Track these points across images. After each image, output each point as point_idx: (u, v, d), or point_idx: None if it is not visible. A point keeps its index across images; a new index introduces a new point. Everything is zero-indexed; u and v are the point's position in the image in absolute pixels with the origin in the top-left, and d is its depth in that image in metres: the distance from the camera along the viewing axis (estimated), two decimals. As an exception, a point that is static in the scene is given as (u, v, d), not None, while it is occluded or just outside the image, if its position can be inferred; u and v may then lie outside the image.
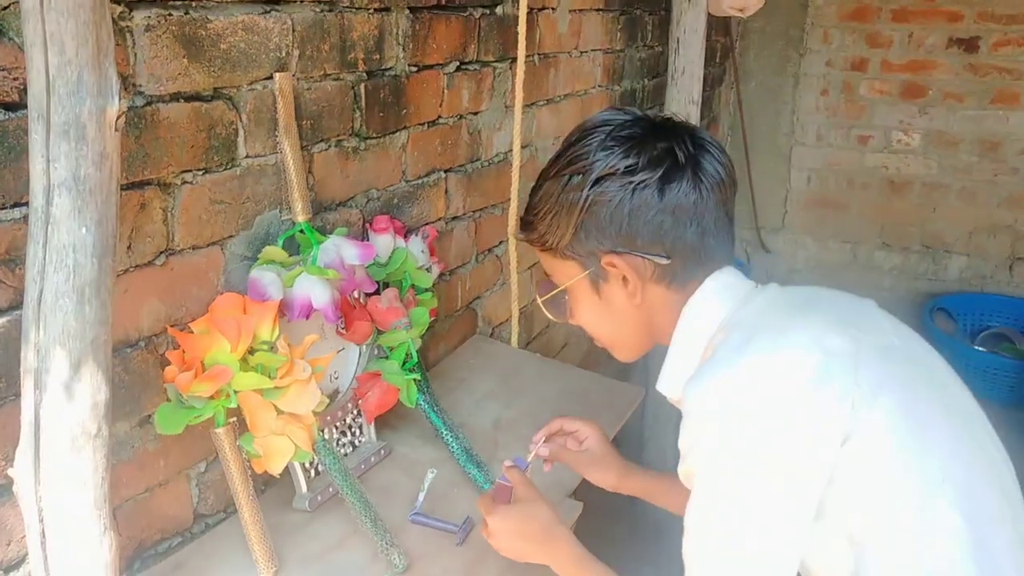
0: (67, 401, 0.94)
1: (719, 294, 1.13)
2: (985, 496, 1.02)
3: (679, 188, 1.10)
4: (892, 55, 4.14)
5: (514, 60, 2.09)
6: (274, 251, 1.37)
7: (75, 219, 0.92)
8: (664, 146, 1.11)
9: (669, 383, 1.16)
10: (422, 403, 1.60)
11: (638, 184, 1.09)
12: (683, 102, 2.51)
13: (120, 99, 0.93)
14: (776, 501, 0.97)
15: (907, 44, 4.09)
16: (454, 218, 1.98)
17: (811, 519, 0.98)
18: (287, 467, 1.35)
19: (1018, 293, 4.07)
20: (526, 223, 1.23)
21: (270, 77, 1.37)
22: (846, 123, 4.33)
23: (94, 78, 0.91)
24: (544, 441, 1.46)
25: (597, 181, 1.11)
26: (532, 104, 2.26)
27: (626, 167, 1.10)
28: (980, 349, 3.74)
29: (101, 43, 0.91)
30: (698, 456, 1.01)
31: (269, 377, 1.27)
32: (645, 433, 2.98)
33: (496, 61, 2.03)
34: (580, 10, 2.44)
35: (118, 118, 0.94)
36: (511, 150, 2.17)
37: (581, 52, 2.52)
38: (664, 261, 1.12)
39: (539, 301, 1.27)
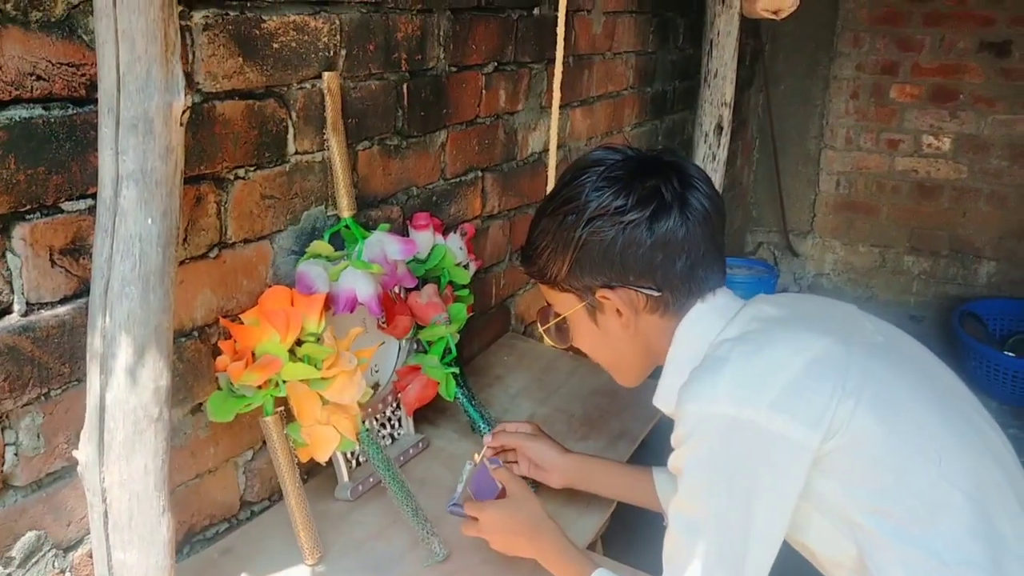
0: (131, 386, 0.97)
1: (709, 314, 1.18)
2: (984, 473, 1.05)
3: (667, 224, 1.14)
4: (923, 59, 4.12)
5: (550, 61, 2.11)
6: (321, 245, 1.41)
7: (142, 210, 0.96)
8: (652, 185, 1.16)
9: (665, 399, 1.21)
10: (460, 397, 1.63)
11: (628, 223, 1.15)
12: (716, 104, 2.53)
13: (185, 95, 0.97)
14: (757, 504, 1.03)
15: (938, 48, 4.08)
16: (489, 216, 2.01)
17: (788, 519, 1.04)
18: (329, 458, 1.38)
19: (1048, 298, 4.05)
20: (526, 257, 1.29)
21: (318, 76, 1.40)
22: (876, 127, 4.31)
23: (162, 74, 0.94)
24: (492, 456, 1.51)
25: (590, 220, 1.16)
26: (566, 105, 2.29)
27: (616, 207, 1.15)
28: (1010, 355, 3.71)
29: (169, 40, 0.95)
30: (685, 456, 1.07)
31: (316, 368, 1.30)
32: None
33: (533, 62, 2.06)
34: (614, 12, 2.47)
35: (183, 113, 0.97)
36: (545, 150, 2.19)
37: (615, 54, 2.54)
38: (655, 294, 1.17)
39: (541, 329, 1.34)
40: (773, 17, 2.44)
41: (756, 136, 4.51)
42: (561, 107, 2.19)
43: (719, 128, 2.53)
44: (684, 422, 1.06)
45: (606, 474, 1.52)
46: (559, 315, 1.28)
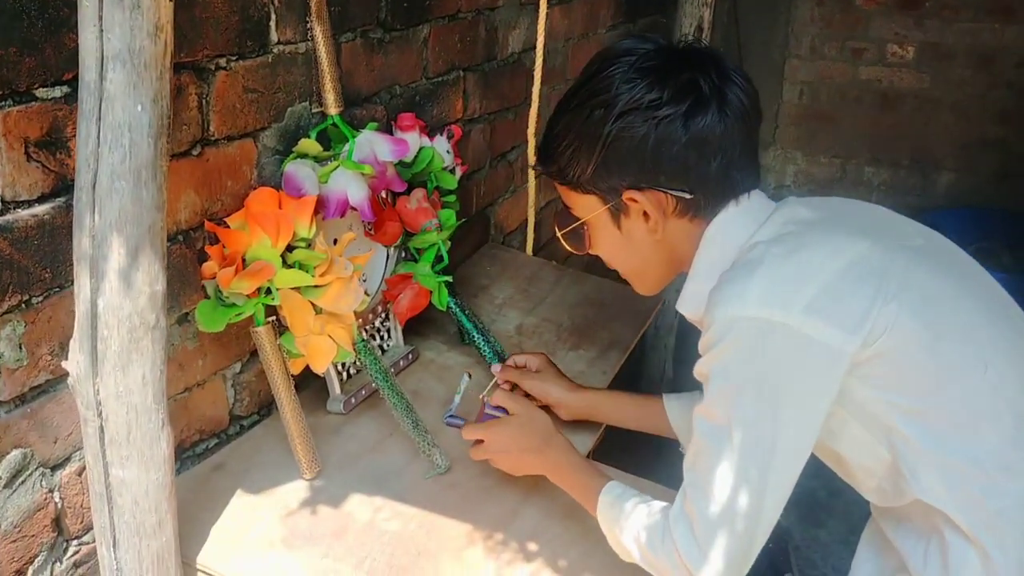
0: (125, 290, 0.90)
1: (740, 217, 1.11)
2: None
3: (704, 121, 1.06)
4: (890, -36, 4.06)
5: (531, -46, 2.01)
6: (309, 144, 1.31)
7: (130, 95, 0.86)
8: (688, 78, 1.07)
9: (691, 304, 1.14)
10: (452, 306, 1.57)
11: (663, 118, 1.06)
12: (696, 3, 2.44)
13: (175, -35, 0.86)
14: (786, 412, 0.98)
15: (906, -47, 4.01)
16: (471, 120, 1.92)
17: (818, 429, 0.99)
18: (310, 370, 1.31)
19: (1006, 207, 4.09)
20: (545, 156, 1.20)
21: (300, -42, 1.29)
22: (841, 35, 4.25)
23: (148, -60, 0.84)
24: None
25: (620, 115, 1.07)
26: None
27: (650, 101, 1.06)
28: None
29: (155, -99, 0.84)
30: (712, 361, 1.01)
31: (309, 275, 1.23)
32: (647, 344, 2.99)
33: (514, -46, 1.94)
34: (592, -95, 2.35)
35: (173, -14, 0.87)
36: (526, 50, 2.10)
37: (592, -50, 2.42)
38: (687, 196, 1.10)
39: (558, 233, 1.24)
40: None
41: (721, 45, 4.42)
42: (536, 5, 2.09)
43: (699, 29, 2.45)
44: (713, 327, 1.00)
45: (616, 407, 1.46)
46: (579, 218, 1.20)
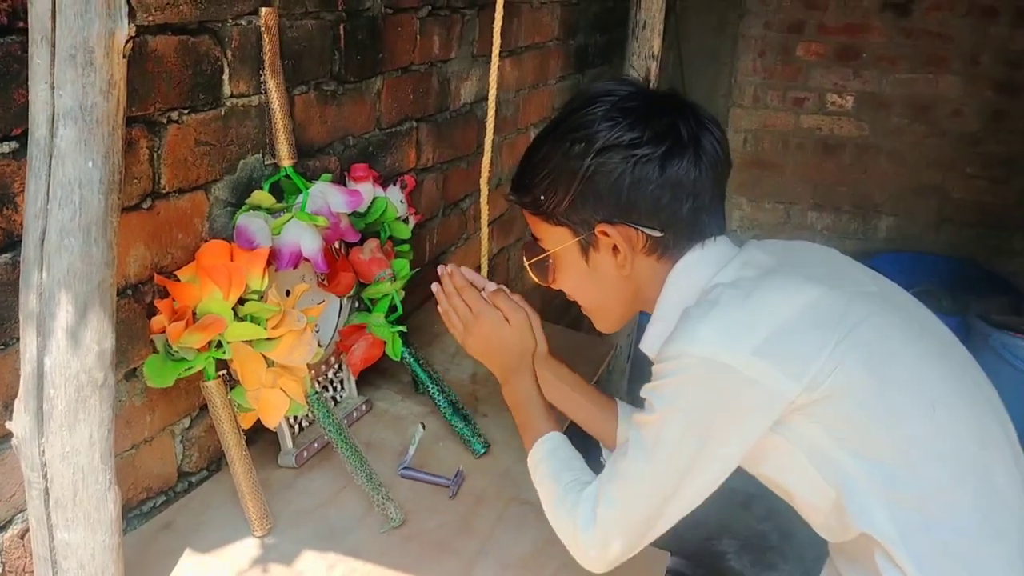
0: (73, 348, 0.88)
1: (703, 261, 1.14)
2: (981, 424, 1.06)
3: (680, 165, 1.09)
4: (828, 17, 4.19)
5: (481, 7, 2.04)
6: (262, 196, 1.31)
7: (81, 152, 0.86)
8: (668, 122, 1.11)
9: (655, 344, 1.16)
10: (407, 356, 1.56)
11: (641, 158, 1.09)
12: (643, 56, 2.49)
13: (129, 22, 0.86)
14: (707, 449, 1.03)
15: (844, 7, 4.14)
16: (423, 169, 1.93)
17: (732, 468, 1.05)
18: (261, 423, 1.29)
19: (944, 252, 4.21)
20: (520, 186, 1.22)
21: (253, 12, 1.29)
22: (782, 85, 4.37)
23: (102, -2, 0.84)
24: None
25: (600, 151, 1.10)
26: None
27: (630, 140, 1.09)
28: (909, 306, 3.86)
29: (109, -41, 0.84)
30: (656, 389, 1.05)
31: (262, 328, 1.22)
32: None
33: (465, 8, 1.97)
34: (541, -41, 2.40)
35: (126, 43, 0.87)
36: (477, 101, 2.12)
37: (541, 3, 2.47)
38: (657, 234, 1.12)
39: (526, 264, 1.26)
40: (701, -32, 2.41)
41: (667, 93, 4.51)
42: (489, 57, 2.12)
43: (647, 81, 2.50)
44: (666, 360, 1.04)
45: (571, 389, 1.42)
46: (547, 249, 1.21)
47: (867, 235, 4.41)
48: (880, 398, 1.00)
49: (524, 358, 1.29)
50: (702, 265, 1.13)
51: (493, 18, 1.94)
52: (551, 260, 1.22)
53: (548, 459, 1.22)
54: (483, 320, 1.30)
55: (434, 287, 1.35)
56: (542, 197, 1.17)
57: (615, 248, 1.15)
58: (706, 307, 1.03)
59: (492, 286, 1.32)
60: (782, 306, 1.01)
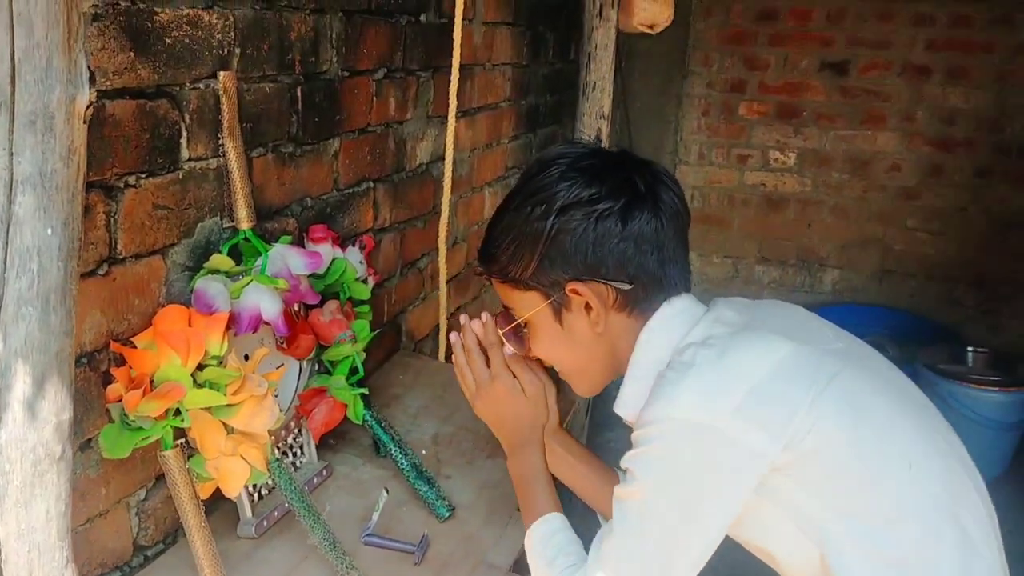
0: (30, 421, 0.85)
1: (673, 319, 1.15)
2: (953, 477, 1.07)
3: (641, 217, 1.11)
4: (769, 77, 4.32)
5: (436, 70, 2.06)
6: (221, 259, 1.29)
7: (40, 219, 0.83)
8: (624, 177, 1.13)
9: (629, 405, 1.17)
10: (369, 419, 1.54)
11: (602, 212, 1.11)
12: (594, 116, 2.54)
13: (90, 88, 0.85)
14: (697, 513, 1.03)
15: (783, 67, 4.29)
16: (381, 229, 1.92)
17: (724, 530, 1.05)
18: (218, 492, 1.26)
19: (888, 303, 4.31)
20: (487, 256, 1.22)
21: (212, 76, 1.29)
22: (726, 143, 4.49)
23: (64, 64, 0.83)
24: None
25: (560, 211, 1.12)
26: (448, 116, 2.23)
27: (589, 196, 1.11)
28: (858, 356, 3.92)
29: (72, 26, 0.83)
30: (639, 456, 1.05)
31: (221, 394, 1.19)
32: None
33: (420, 70, 1.99)
34: (493, 23, 2.44)
35: (87, 109, 0.86)
36: (433, 161, 2.13)
37: (493, 65, 2.51)
38: (627, 287, 1.13)
39: (500, 334, 1.27)
40: (649, 31, 2.48)
41: (615, 151, 4.59)
42: (444, 118, 2.14)
43: (598, 140, 2.54)
44: (646, 426, 1.04)
45: (578, 461, 1.38)
46: (519, 318, 1.22)
47: (813, 288, 4.50)
48: (857, 456, 1.01)
49: (535, 431, 1.29)
50: (673, 324, 1.14)
51: (447, 80, 1.98)
52: (525, 327, 1.22)
53: (546, 541, 1.21)
54: (498, 385, 1.28)
55: (452, 336, 1.32)
56: (509, 264, 1.17)
57: (587, 306, 1.15)
58: (682, 369, 1.03)
59: (510, 350, 1.29)
60: (756, 363, 1.02)
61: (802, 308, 1.23)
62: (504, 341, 1.27)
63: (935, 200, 4.19)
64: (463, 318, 1.32)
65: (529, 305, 1.19)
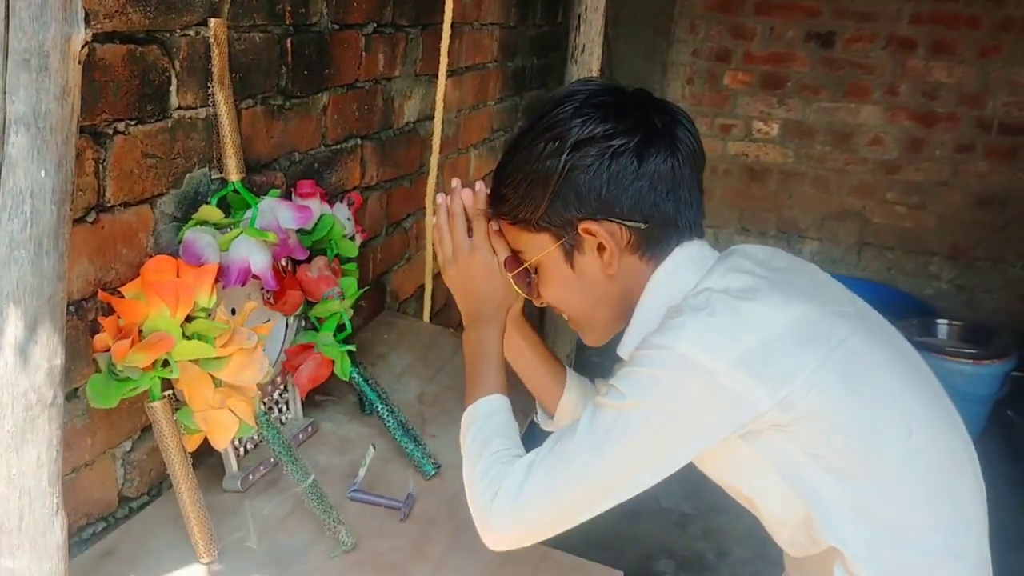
0: (22, 366, 0.84)
1: (687, 264, 1.12)
2: (951, 449, 1.08)
3: (657, 156, 1.08)
4: (754, 47, 4.32)
5: (425, 26, 2.04)
6: (210, 211, 1.27)
7: (33, 160, 0.82)
8: (640, 114, 1.10)
9: (631, 347, 1.14)
10: (355, 376, 1.53)
11: (617, 149, 1.08)
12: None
13: (86, 27, 0.83)
14: (665, 447, 1.02)
15: (768, 37, 4.28)
16: (368, 188, 1.91)
17: (677, 468, 1.03)
18: (204, 446, 1.25)
19: (866, 276, 4.35)
20: (496, 197, 1.19)
21: (202, 23, 1.26)
22: (710, 112, 4.48)
23: (59, 1, 0.81)
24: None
25: (574, 147, 1.08)
26: (435, 75, 2.21)
27: (604, 131, 1.08)
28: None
29: (67, -39, 0.81)
30: (627, 373, 1.03)
31: (210, 346, 1.18)
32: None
33: (409, 26, 1.97)
34: (482, -19, 2.41)
35: (82, 48, 0.84)
36: (420, 120, 2.11)
37: (481, 24, 2.48)
38: (642, 226, 1.10)
39: (509, 276, 1.23)
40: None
41: (598, 118, 4.57)
42: (432, 77, 2.11)
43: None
44: (644, 350, 1.03)
45: (529, 348, 1.37)
46: (528, 261, 1.19)
47: (792, 258, 4.52)
48: (858, 420, 1.01)
49: (500, 311, 1.26)
50: (685, 269, 1.11)
51: (436, 38, 1.95)
52: (534, 271, 1.20)
53: (485, 420, 1.18)
54: (477, 256, 1.24)
55: (439, 197, 1.28)
56: (519, 205, 1.14)
57: (600, 247, 1.12)
58: (694, 310, 1.02)
59: (495, 225, 1.25)
60: (768, 318, 1.01)
61: (818, 268, 1.20)
62: (514, 285, 1.23)
63: (915, 174, 4.22)
64: (455, 181, 1.28)
65: (539, 247, 1.16)
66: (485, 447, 1.14)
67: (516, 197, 1.15)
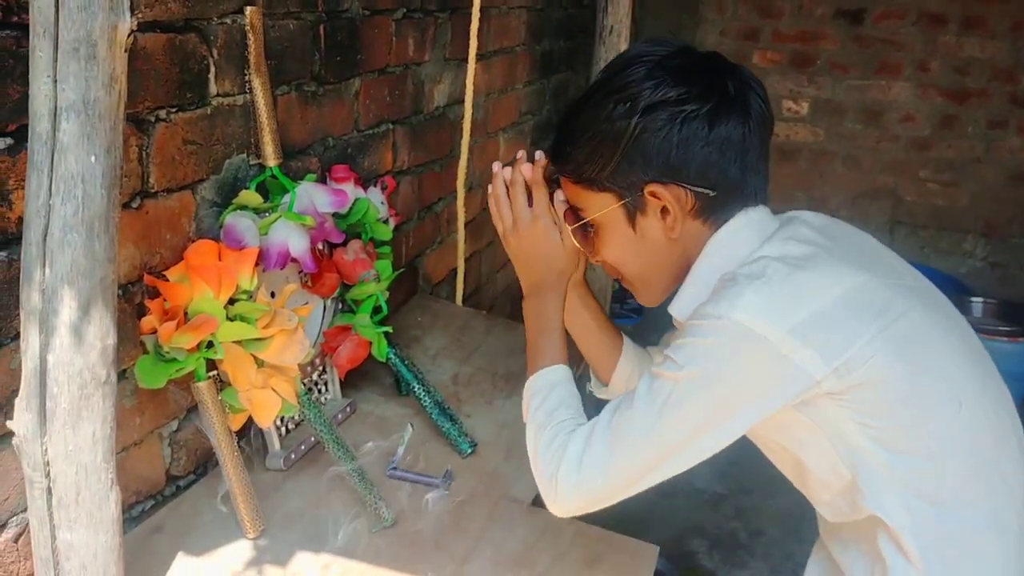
0: (76, 345, 0.87)
1: (747, 229, 1.11)
2: (1001, 424, 1.08)
3: (728, 122, 1.07)
4: (783, 25, 4.27)
5: (454, 11, 2.05)
6: (250, 195, 1.30)
7: (84, 146, 0.85)
8: (713, 79, 1.08)
9: (683, 307, 1.14)
10: (392, 356, 1.56)
11: (689, 114, 1.06)
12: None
13: (131, 16, 0.86)
14: (723, 418, 1.01)
15: (797, 15, 4.23)
16: (399, 172, 1.93)
17: (734, 439, 1.03)
18: (246, 426, 1.28)
19: (898, 254, 4.30)
20: (560, 154, 1.17)
21: (238, 11, 1.29)
22: (739, 91, 4.44)
23: (105, -10, 0.83)
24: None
25: (646, 110, 1.06)
26: (464, 59, 2.22)
27: (678, 95, 1.06)
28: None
29: (113, -48, 0.83)
30: (684, 345, 1.02)
31: (253, 328, 1.21)
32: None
33: (438, 11, 1.98)
34: (508, -35, 2.42)
35: (128, 37, 0.86)
36: (449, 104, 2.13)
37: (509, 8, 2.49)
38: (710, 193, 1.09)
39: (568, 230, 1.22)
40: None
41: (626, 100, 4.56)
42: (465, 60, 2.13)
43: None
44: (701, 319, 1.01)
45: (589, 315, 1.36)
46: (588, 218, 1.17)
47: (823, 238, 4.49)
48: (911, 392, 1.01)
49: (561, 279, 1.25)
50: (745, 234, 1.10)
51: (465, 22, 1.97)
52: (594, 229, 1.18)
53: (548, 391, 1.17)
54: (539, 224, 1.23)
55: (495, 165, 1.27)
56: (585, 163, 1.12)
57: (664, 210, 1.11)
58: (750, 278, 1.01)
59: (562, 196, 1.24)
60: (827, 289, 1.00)
61: (874, 239, 1.19)
62: (573, 239, 1.22)
63: (947, 151, 4.17)
64: (520, 153, 1.27)
65: (601, 206, 1.15)
66: (549, 418, 1.14)
67: (581, 155, 1.13)
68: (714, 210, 1.11)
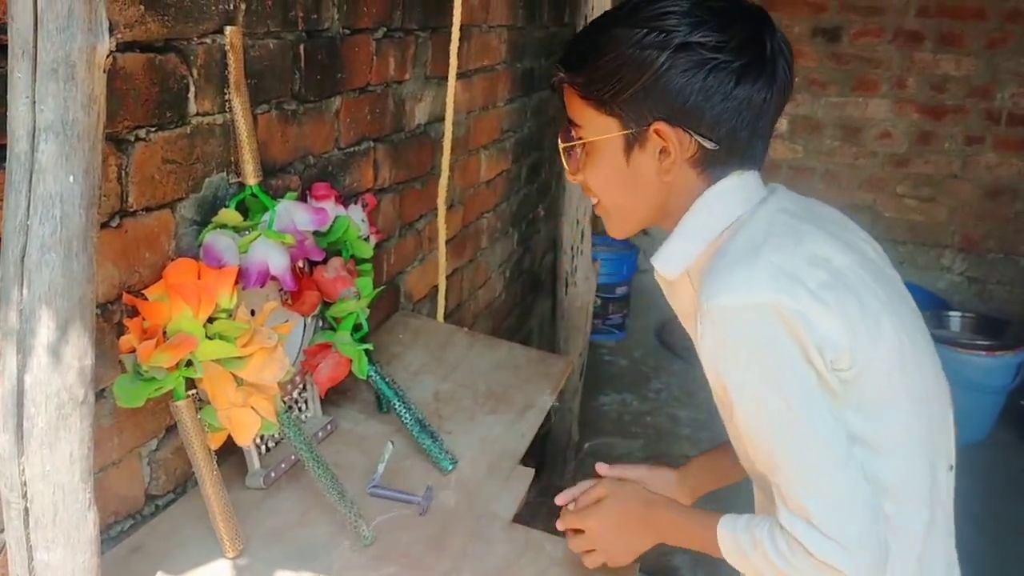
0: (54, 365, 0.87)
1: (739, 191, 1.10)
2: (943, 424, 1.11)
3: (754, 83, 1.04)
4: (762, 43, 4.32)
5: (434, 30, 2.06)
6: (229, 214, 1.30)
7: (62, 167, 0.85)
8: (755, 33, 1.05)
9: (667, 263, 1.13)
10: (373, 374, 1.56)
11: (719, 64, 1.03)
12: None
13: (109, 37, 0.86)
14: (811, 386, 0.99)
15: (776, 33, 4.28)
16: (381, 189, 1.94)
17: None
18: (226, 445, 1.28)
19: (877, 269, 4.35)
20: (575, 62, 1.11)
21: (218, 31, 1.29)
22: (719, 108, 4.49)
23: (84, 13, 0.83)
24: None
25: (679, 48, 1.03)
26: (445, 77, 2.23)
27: (715, 43, 1.03)
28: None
29: (91, -26, 0.84)
30: (727, 365, 1.01)
31: (232, 346, 1.21)
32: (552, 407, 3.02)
33: (419, 30, 2.00)
34: (489, -17, 2.44)
35: (107, 58, 0.87)
36: (430, 122, 2.14)
37: (489, 27, 2.51)
38: (713, 147, 1.06)
39: (560, 147, 1.18)
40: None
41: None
42: (441, 79, 2.14)
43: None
44: (717, 319, 0.99)
45: (713, 467, 1.42)
46: (584, 137, 1.12)
47: (803, 253, 4.53)
48: (887, 383, 1.02)
49: (645, 499, 1.26)
50: (737, 196, 1.09)
51: (445, 40, 1.98)
52: (584, 149, 1.14)
53: (737, 536, 1.09)
54: (596, 526, 1.26)
55: (560, 498, 1.35)
56: (599, 81, 1.07)
57: (663, 151, 1.08)
58: (753, 250, 1.00)
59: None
60: (830, 254, 1.01)
61: (838, 211, 1.19)
62: (561, 155, 1.18)
63: (925, 167, 4.23)
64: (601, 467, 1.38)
65: (601, 129, 1.10)
66: (756, 547, 1.05)
67: (598, 73, 1.07)
68: (712, 164, 1.09)
